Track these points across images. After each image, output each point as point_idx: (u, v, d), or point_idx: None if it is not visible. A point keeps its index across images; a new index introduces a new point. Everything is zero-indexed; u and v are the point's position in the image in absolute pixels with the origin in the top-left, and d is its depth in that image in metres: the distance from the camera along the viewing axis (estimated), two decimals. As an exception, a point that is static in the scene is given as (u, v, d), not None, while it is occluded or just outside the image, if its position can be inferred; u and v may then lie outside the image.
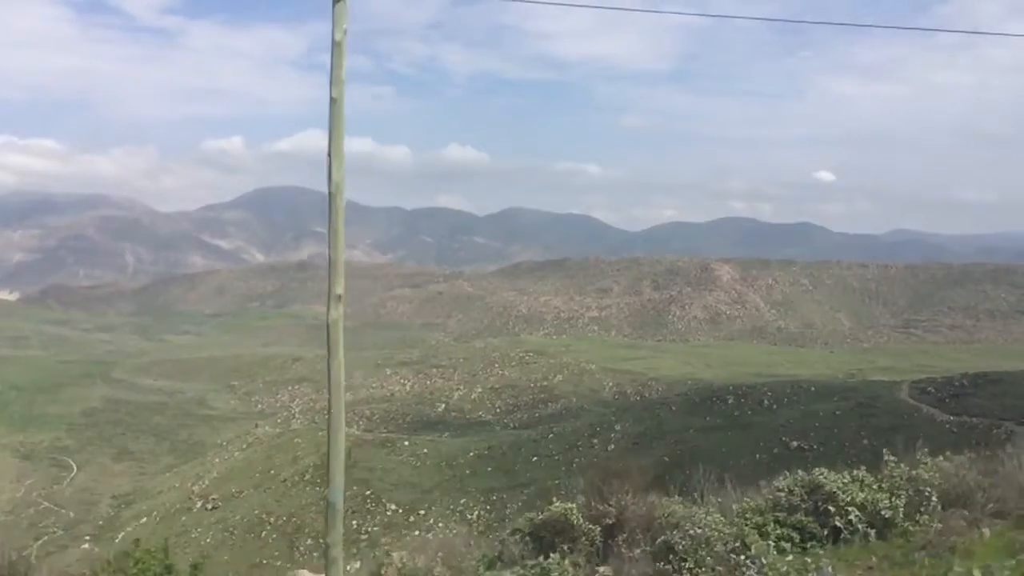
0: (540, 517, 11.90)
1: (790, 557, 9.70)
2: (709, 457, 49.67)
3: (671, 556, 9.90)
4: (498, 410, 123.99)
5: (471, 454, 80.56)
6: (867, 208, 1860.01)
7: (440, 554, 14.51)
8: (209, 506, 78.25)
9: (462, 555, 14.29)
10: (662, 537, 10.26)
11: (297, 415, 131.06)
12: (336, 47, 7.87)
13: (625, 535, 10.94)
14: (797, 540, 10.52)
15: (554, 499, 12.34)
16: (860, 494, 10.88)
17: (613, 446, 74.72)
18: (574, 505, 11.50)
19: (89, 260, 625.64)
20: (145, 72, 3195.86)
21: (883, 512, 10.67)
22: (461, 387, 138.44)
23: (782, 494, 11.48)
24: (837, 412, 70.91)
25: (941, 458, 12.57)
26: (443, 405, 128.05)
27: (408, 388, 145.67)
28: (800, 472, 11.77)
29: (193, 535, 70.68)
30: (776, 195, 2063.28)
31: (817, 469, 11.67)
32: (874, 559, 9.62)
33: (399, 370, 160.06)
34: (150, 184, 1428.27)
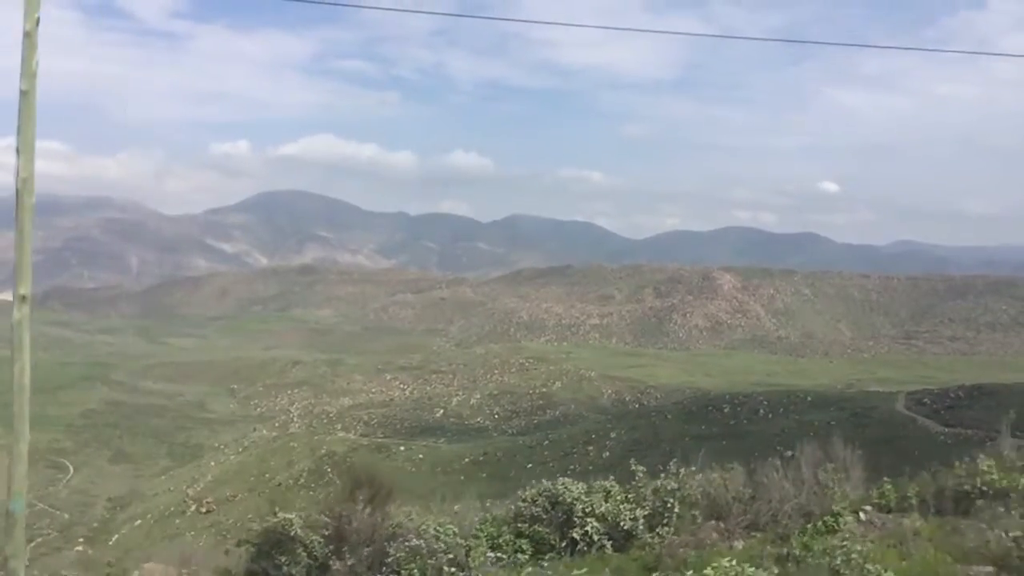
0: (263, 528, 11.39)
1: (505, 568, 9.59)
2: (702, 466, 49.72)
3: (383, 568, 9.68)
4: (496, 416, 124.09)
5: (466, 460, 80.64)
6: (871, 219, 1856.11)
7: (184, 570, 14.23)
8: (203, 509, 78.37)
9: (196, 570, 14.05)
10: (387, 548, 9.95)
11: (295, 419, 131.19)
12: (26, 38, 7.44)
13: (348, 547, 10.46)
14: (531, 552, 10.27)
15: (276, 510, 11.86)
16: (604, 505, 10.74)
17: (608, 453, 74.74)
18: (294, 516, 10.95)
19: (93, 262, 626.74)
20: (152, 75, 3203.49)
21: (622, 524, 10.56)
22: (460, 393, 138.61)
23: (524, 504, 11.22)
24: (832, 422, 70.73)
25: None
26: (441, 411, 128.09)
27: (407, 393, 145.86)
28: (545, 482, 11.46)
29: (186, 538, 70.76)
30: (780, 205, 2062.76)
31: (562, 479, 11.40)
32: (607, 571, 9.54)
33: (399, 375, 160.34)
34: (155, 187, 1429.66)
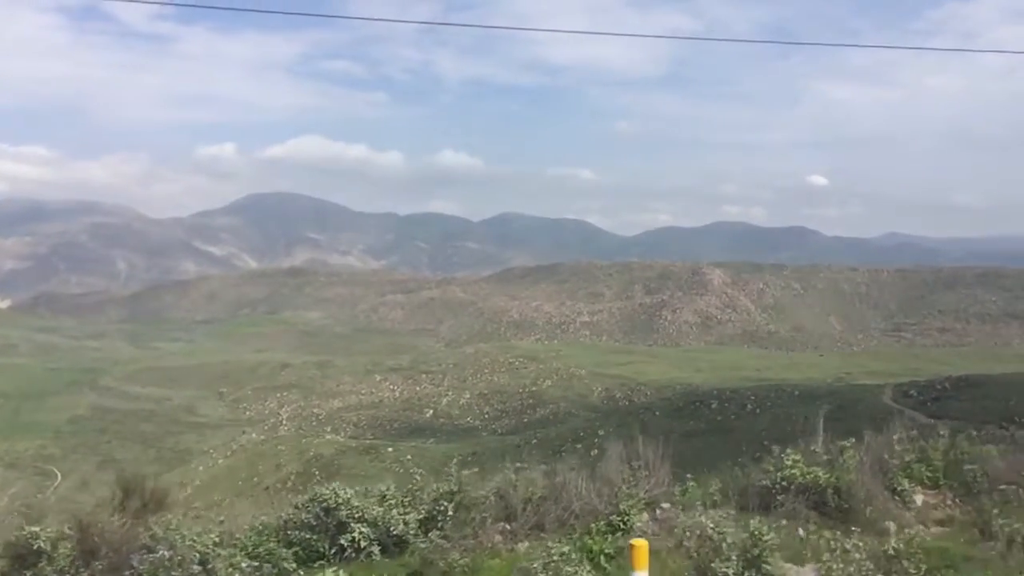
0: (3, 543, 10.71)
1: None
2: (687, 461, 49.64)
3: None
4: (486, 416, 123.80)
5: (454, 460, 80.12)
6: (860, 212, 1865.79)
7: None
8: (192, 515, 77.73)
9: None
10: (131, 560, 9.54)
11: (284, 422, 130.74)
12: None
13: (97, 560, 9.91)
14: (299, 560, 10.02)
15: (24, 524, 10.97)
16: (376, 510, 10.60)
17: (596, 451, 74.43)
18: (39, 528, 10.23)
19: (81, 267, 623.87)
20: (137, 78, 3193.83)
21: (393, 529, 10.44)
22: (450, 393, 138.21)
23: (295, 511, 11.04)
24: (818, 416, 70.85)
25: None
26: (431, 411, 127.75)
27: (397, 394, 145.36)
28: (318, 489, 11.20)
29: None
30: (769, 199, 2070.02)
31: (331, 485, 11.17)
32: None
33: (388, 376, 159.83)
34: (142, 191, 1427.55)
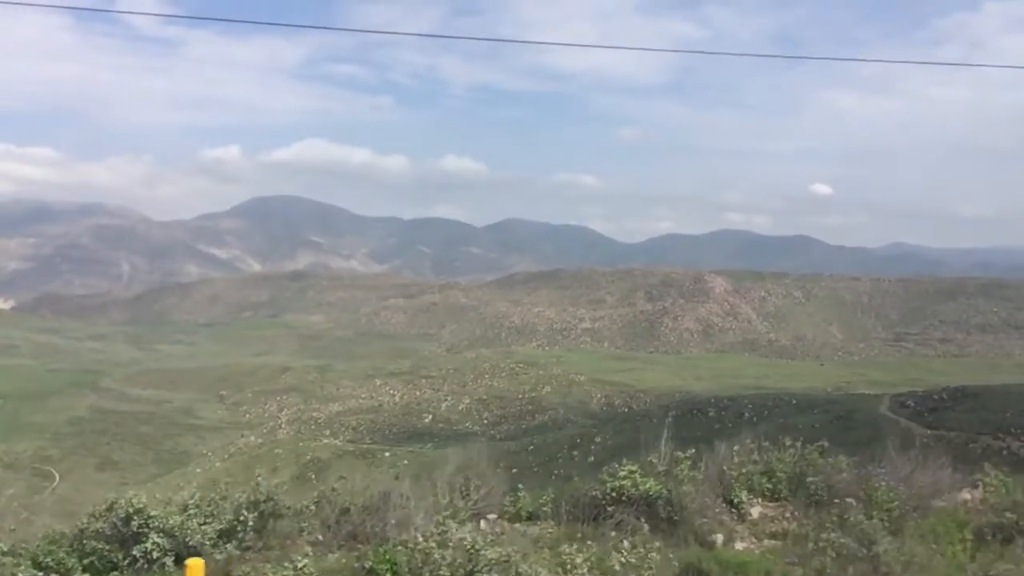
0: None
1: None
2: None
3: None
4: (485, 421, 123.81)
5: (450, 466, 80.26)
6: (864, 221, 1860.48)
7: None
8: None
9: None
10: None
11: (284, 425, 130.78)
12: None
13: None
14: (91, 571, 9.78)
15: None
16: (176, 519, 10.29)
17: (592, 458, 74.47)
18: None
19: (84, 269, 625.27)
20: (144, 81, 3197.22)
21: (189, 540, 10.21)
22: (449, 398, 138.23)
23: (91, 520, 10.60)
24: (816, 425, 70.63)
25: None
26: (430, 416, 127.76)
27: (397, 399, 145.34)
28: (112, 496, 10.88)
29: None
30: (773, 208, 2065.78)
31: (131, 493, 10.84)
32: None
33: (389, 380, 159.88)
34: (147, 193, 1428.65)
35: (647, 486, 11.98)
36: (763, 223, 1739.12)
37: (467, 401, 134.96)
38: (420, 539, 9.53)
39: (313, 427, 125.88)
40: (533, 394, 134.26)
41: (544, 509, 12.15)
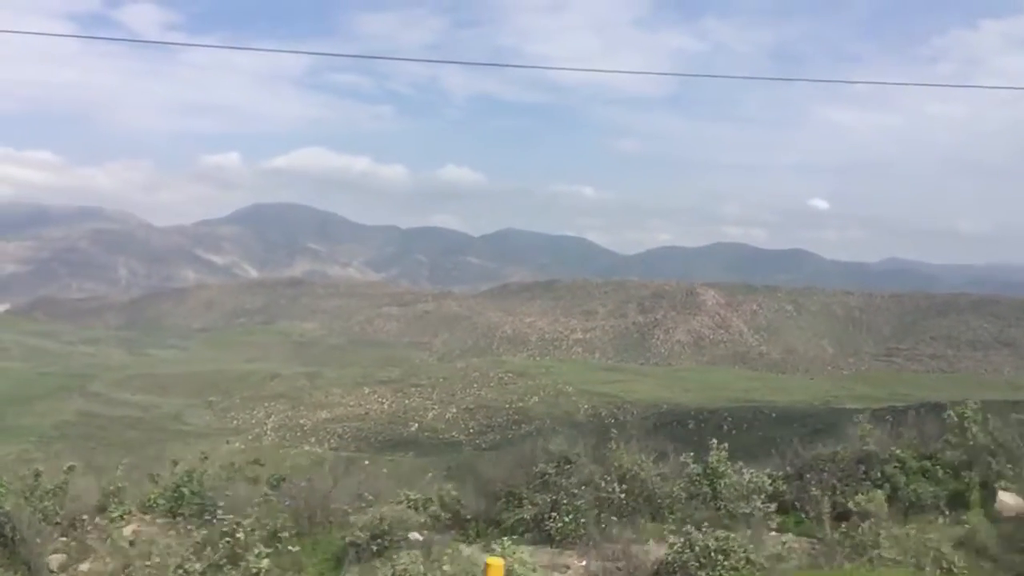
0: None
1: None
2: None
3: None
4: (470, 430, 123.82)
5: (430, 475, 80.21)
6: (860, 236, 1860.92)
7: None
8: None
9: None
10: None
11: (269, 432, 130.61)
12: None
13: None
14: None
15: None
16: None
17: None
18: None
19: (82, 273, 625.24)
20: (144, 86, 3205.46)
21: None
22: (436, 407, 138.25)
23: None
24: (793, 438, 70.90)
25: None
26: (416, 424, 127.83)
27: (385, 407, 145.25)
28: None
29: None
30: (770, 221, 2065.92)
31: None
32: None
33: (378, 388, 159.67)
34: (146, 198, 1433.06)
35: None
36: (760, 236, 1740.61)
37: (454, 410, 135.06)
38: None
39: (298, 434, 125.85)
40: (520, 404, 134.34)
41: None
